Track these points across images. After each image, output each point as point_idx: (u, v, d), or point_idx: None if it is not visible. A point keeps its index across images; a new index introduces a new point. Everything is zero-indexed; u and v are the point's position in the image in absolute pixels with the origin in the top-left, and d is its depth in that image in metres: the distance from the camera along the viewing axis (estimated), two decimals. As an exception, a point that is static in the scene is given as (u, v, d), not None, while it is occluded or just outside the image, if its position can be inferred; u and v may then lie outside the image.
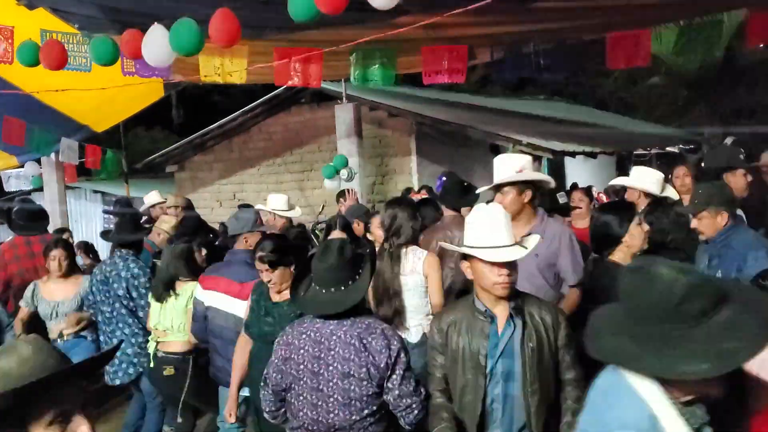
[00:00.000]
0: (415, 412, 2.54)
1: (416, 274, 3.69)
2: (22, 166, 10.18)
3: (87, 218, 13.74)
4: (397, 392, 2.52)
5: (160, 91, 7.86)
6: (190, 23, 4.05)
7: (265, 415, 2.79)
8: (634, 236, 3.18)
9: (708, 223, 3.37)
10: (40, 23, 5.26)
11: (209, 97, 19.37)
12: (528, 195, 3.36)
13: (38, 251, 5.32)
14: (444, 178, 4.44)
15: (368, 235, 4.73)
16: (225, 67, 5.50)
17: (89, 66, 5.21)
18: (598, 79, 17.87)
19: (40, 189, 10.05)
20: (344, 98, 8.66)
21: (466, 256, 2.53)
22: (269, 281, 3.36)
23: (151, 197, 7.11)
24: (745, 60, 11.83)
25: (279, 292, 3.39)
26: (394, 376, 2.52)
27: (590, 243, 3.45)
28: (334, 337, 2.56)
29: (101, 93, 6.55)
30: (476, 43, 6.08)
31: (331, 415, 2.51)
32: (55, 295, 4.73)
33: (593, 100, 18.62)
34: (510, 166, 3.39)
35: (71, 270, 4.83)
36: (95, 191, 13.94)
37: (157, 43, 4.15)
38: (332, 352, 2.54)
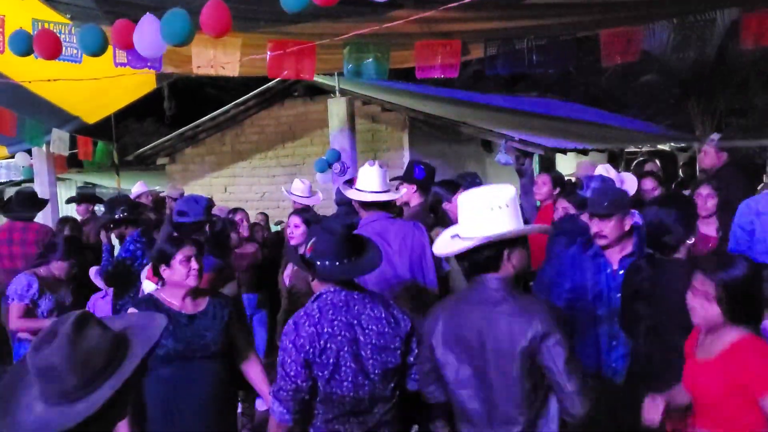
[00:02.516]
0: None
1: None
2: (13, 157, 10.12)
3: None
4: (416, 352, 2.70)
5: (152, 82, 7.82)
6: (181, 13, 4.02)
7: (283, 419, 2.59)
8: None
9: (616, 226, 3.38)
10: (32, 13, 5.22)
11: (202, 90, 19.26)
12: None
13: (17, 239, 5.39)
14: (422, 166, 4.53)
15: None
16: (218, 59, 5.47)
17: (80, 57, 5.18)
18: (591, 76, 17.91)
19: (31, 180, 10.00)
20: (337, 92, 8.64)
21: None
22: (195, 272, 3.13)
23: (137, 188, 7.32)
24: (738, 59, 11.88)
25: (195, 295, 3.20)
26: (413, 339, 2.71)
27: (646, 239, 3.29)
28: (364, 316, 2.62)
29: (93, 84, 6.51)
30: (470, 38, 6.08)
31: (376, 390, 2.61)
32: (55, 289, 4.63)
33: (586, 97, 18.65)
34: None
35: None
36: (86, 183, 13.88)
37: (149, 33, 4.13)
38: (367, 330, 2.61)
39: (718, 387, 2.29)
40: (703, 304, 2.33)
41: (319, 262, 2.62)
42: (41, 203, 6.16)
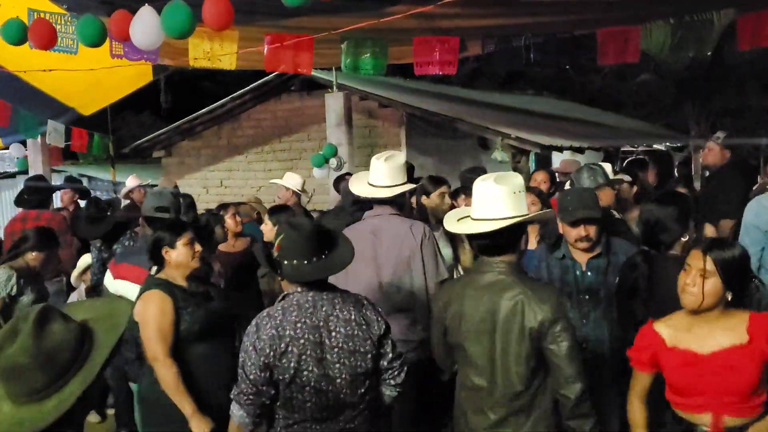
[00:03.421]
0: (403, 372, 2.66)
1: None
2: (7, 148, 10.07)
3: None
4: (391, 356, 2.62)
5: (149, 75, 7.79)
6: (182, 5, 4.01)
7: (243, 422, 2.51)
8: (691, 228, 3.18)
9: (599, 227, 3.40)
10: (28, 2, 5.19)
11: (198, 83, 19.20)
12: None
13: (31, 228, 5.40)
14: None
15: None
16: (214, 52, 5.45)
17: (76, 48, 5.16)
18: (587, 75, 17.90)
19: (25, 172, 9.97)
20: (335, 87, 8.62)
21: None
22: (198, 254, 3.25)
23: (130, 181, 7.26)
24: (734, 60, 11.89)
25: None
26: (387, 341, 2.61)
27: (642, 235, 3.31)
28: (332, 317, 2.49)
29: (89, 76, 6.49)
30: (468, 35, 6.07)
31: (341, 396, 2.49)
32: (35, 282, 4.66)
33: (582, 97, 18.65)
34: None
35: None
36: (81, 175, 13.83)
37: (146, 25, 4.11)
38: (334, 333, 2.47)
39: (754, 370, 2.29)
40: (696, 281, 2.33)
41: (286, 262, 2.50)
42: (51, 190, 6.25)
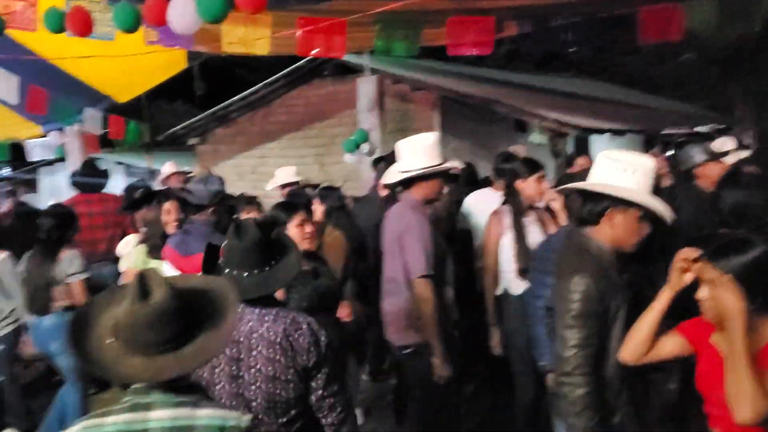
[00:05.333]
0: (338, 409, 2.37)
1: None
2: (45, 136, 10.24)
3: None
4: (321, 392, 2.33)
5: (183, 62, 7.82)
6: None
7: None
8: None
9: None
10: (64, -10, 5.22)
11: (232, 71, 19.27)
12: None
13: (97, 210, 5.79)
14: None
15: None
16: (248, 37, 5.44)
17: (112, 34, 5.19)
18: (626, 56, 17.50)
19: (63, 159, 10.11)
20: (367, 70, 8.53)
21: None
22: (308, 235, 3.31)
23: (167, 168, 7.29)
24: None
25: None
26: (320, 376, 2.31)
27: (721, 218, 3.03)
28: (255, 335, 2.25)
29: (123, 63, 6.54)
30: (504, 15, 5.94)
31: (255, 421, 2.22)
32: None
33: (620, 78, 18.25)
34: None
35: None
36: (118, 162, 14.01)
37: (182, 10, 4.12)
38: (254, 353, 2.24)
39: None
40: (708, 295, 2.06)
41: (226, 271, 2.31)
42: (104, 174, 6.62)
